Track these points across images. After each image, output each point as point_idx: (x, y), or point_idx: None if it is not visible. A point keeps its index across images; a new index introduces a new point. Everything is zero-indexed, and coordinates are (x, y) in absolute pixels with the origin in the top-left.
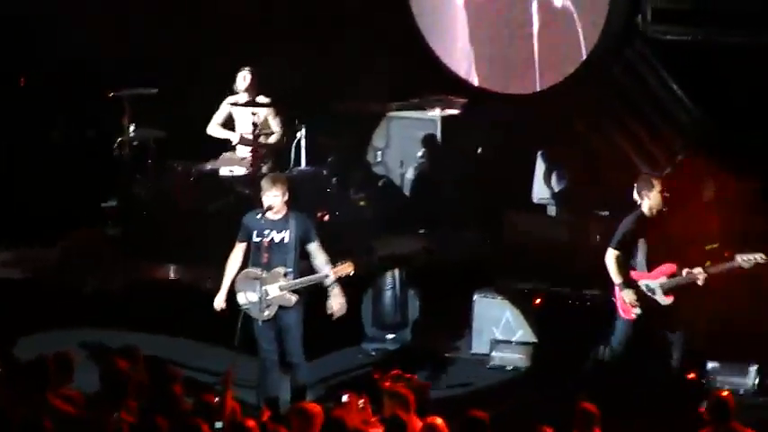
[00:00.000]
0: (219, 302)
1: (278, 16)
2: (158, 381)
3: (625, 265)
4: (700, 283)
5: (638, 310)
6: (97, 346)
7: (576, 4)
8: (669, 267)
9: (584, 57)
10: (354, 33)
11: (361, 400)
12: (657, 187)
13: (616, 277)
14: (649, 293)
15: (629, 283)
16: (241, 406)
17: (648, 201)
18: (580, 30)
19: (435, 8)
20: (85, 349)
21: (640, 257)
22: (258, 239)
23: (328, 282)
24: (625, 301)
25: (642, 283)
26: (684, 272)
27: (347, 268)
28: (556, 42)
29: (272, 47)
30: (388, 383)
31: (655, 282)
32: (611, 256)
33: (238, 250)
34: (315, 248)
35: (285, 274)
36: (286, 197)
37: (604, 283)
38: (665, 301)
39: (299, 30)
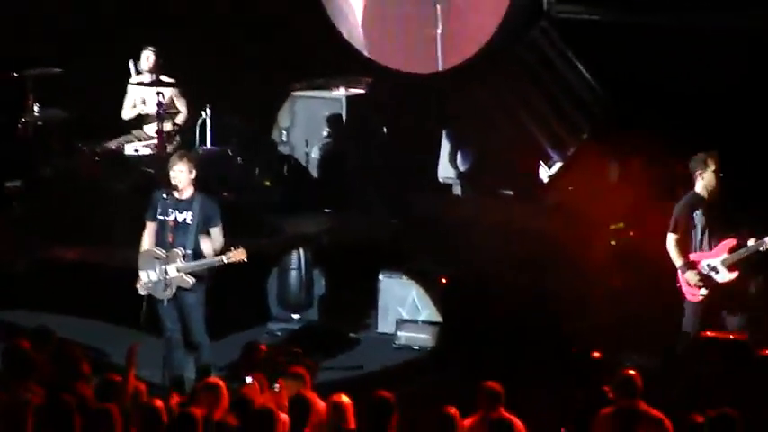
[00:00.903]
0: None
1: None
2: (65, 361)
3: (684, 247)
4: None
5: (704, 291)
6: (1, 328)
7: None
8: (729, 242)
9: (490, 36)
10: (259, 12)
11: (277, 384)
12: (712, 166)
13: (677, 260)
14: (712, 272)
15: (691, 265)
16: (147, 386)
17: (702, 180)
18: (485, 9)
19: None
20: None
21: (699, 237)
22: (163, 218)
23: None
24: (689, 283)
25: (703, 263)
26: (752, 241)
27: (240, 255)
28: (460, 21)
29: (176, 25)
30: (282, 361)
31: (716, 259)
32: (670, 241)
33: (149, 229)
34: (216, 233)
35: (184, 256)
36: (193, 174)
37: (510, 263)
38: (729, 275)
39: (205, 8)
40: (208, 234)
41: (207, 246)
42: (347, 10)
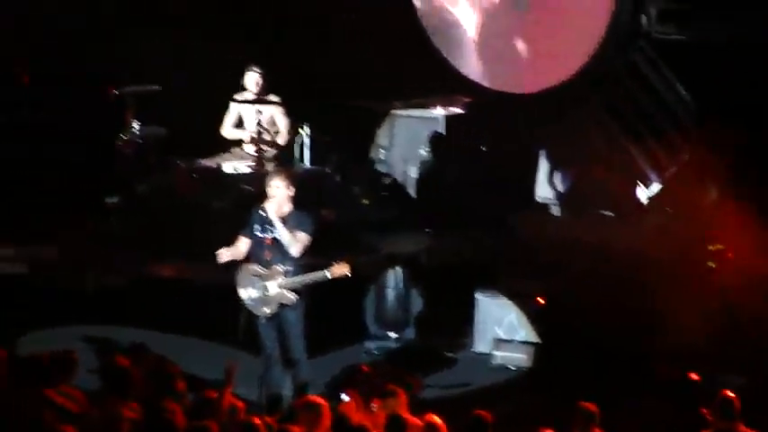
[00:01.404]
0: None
1: (284, 16)
2: (161, 378)
3: None
4: None
5: None
6: (99, 343)
7: (580, 5)
8: None
9: (589, 57)
10: (361, 32)
11: (374, 404)
12: None
13: None
14: None
15: None
16: (245, 403)
17: None
18: (584, 30)
19: (441, 8)
20: (88, 346)
21: None
22: (261, 236)
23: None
24: None
25: None
26: None
27: (344, 268)
28: (560, 42)
29: (277, 46)
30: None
31: None
32: None
33: (242, 243)
34: (301, 236)
35: (285, 273)
36: (291, 191)
37: (609, 283)
38: None
39: (306, 29)
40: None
41: (299, 243)
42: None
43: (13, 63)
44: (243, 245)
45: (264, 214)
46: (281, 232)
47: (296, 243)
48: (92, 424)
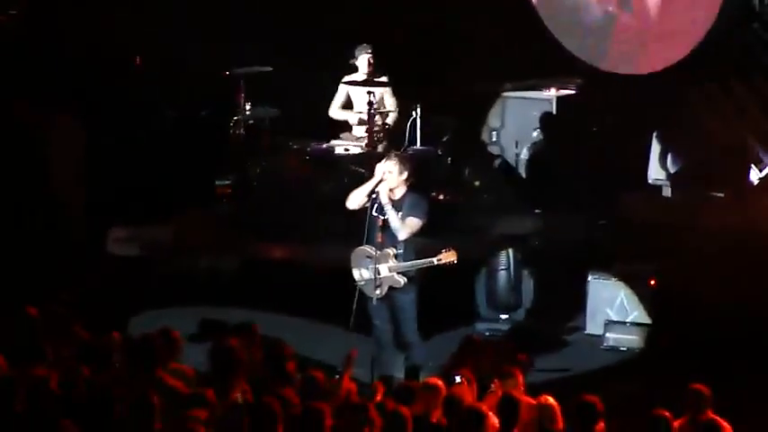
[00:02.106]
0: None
1: None
2: (272, 359)
3: None
4: None
5: None
6: (212, 324)
7: None
8: None
9: (701, 38)
10: (472, 13)
11: (494, 385)
12: None
13: None
14: None
15: None
16: (356, 384)
17: None
18: (696, 11)
19: None
20: (201, 327)
21: None
22: (374, 216)
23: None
24: None
25: None
26: None
27: (451, 256)
28: (671, 23)
29: (388, 26)
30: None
31: None
32: None
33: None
34: (411, 222)
35: (396, 256)
36: (404, 175)
37: (720, 265)
38: None
39: (416, 9)
40: (420, 231)
41: (406, 229)
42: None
43: (126, 48)
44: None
45: (377, 196)
46: (391, 215)
47: (404, 228)
48: (200, 404)
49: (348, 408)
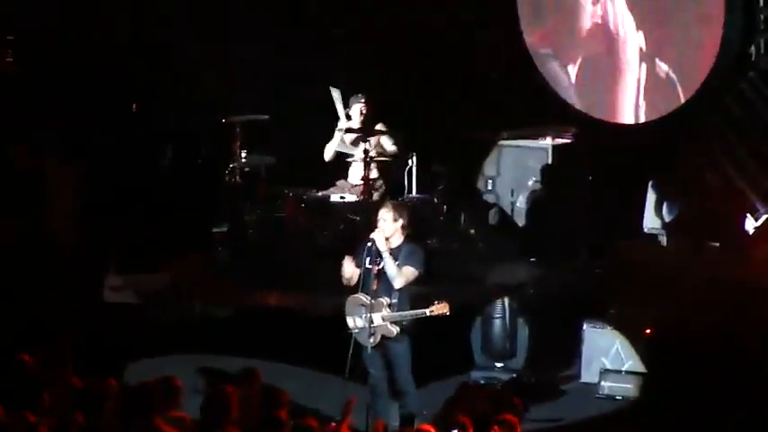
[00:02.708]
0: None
1: (390, 45)
2: (267, 406)
3: None
4: None
5: None
6: (207, 372)
7: (688, 36)
8: None
9: (697, 88)
10: (466, 63)
11: None
12: None
13: None
14: None
15: None
16: None
17: None
18: (693, 60)
19: (546, 40)
20: (196, 375)
21: None
22: (369, 266)
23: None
24: None
25: None
26: None
27: (443, 308)
28: (669, 73)
29: (384, 75)
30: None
31: None
32: None
33: (353, 271)
34: (407, 271)
35: (389, 305)
36: (399, 223)
37: (716, 314)
38: None
39: (412, 58)
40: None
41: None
42: (561, 73)
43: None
44: (354, 273)
45: (372, 245)
46: (388, 263)
47: (401, 276)
48: None
49: None
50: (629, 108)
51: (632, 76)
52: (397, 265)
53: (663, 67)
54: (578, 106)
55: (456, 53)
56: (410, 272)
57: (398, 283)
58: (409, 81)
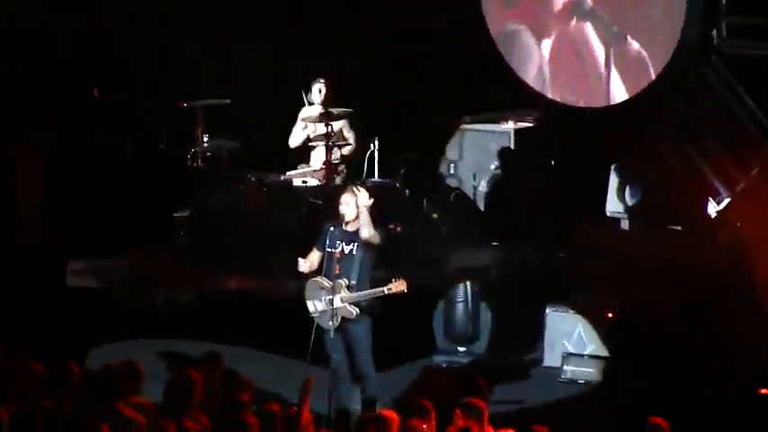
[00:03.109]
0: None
1: (352, 29)
2: (229, 390)
3: None
4: None
5: None
6: (169, 357)
7: (649, 19)
8: None
9: (659, 72)
10: (430, 45)
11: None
12: None
13: None
14: None
15: None
16: (313, 416)
17: None
18: (654, 44)
19: (510, 21)
20: (158, 360)
21: None
22: (330, 250)
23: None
24: None
25: None
26: None
27: (401, 286)
28: (630, 57)
29: (346, 58)
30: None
31: None
32: None
33: (314, 255)
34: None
35: (348, 287)
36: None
37: (678, 298)
38: None
39: (376, 42)
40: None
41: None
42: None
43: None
44: (315, 257)
45: (334, 229)
46: (362, 215)
47: (370, 226)
48: None
49: None
50: (594, 91)
51: (602, 53)
52: (361, 252)
53: (634, 46)
54: (550, 85)
55: (419, 36)
56: (372, 235)
57: (366, 232)
58: (372, 65)
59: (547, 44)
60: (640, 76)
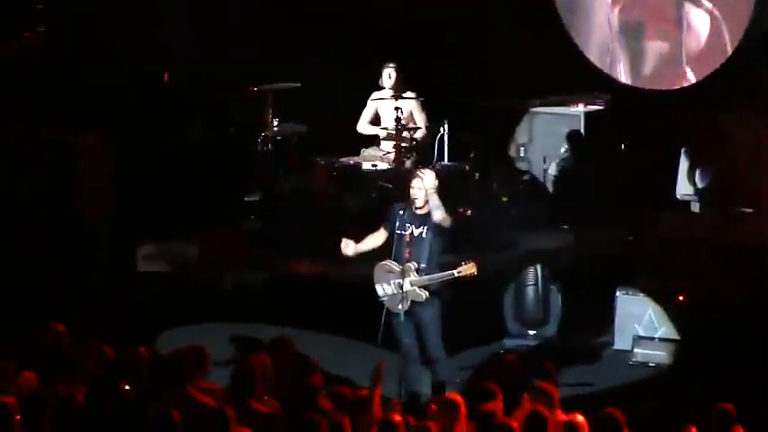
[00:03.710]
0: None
1: (421, 12)
2: (299, 374)
3: None
4: None
5: None
6: (239, 341)
7: (721, 5)
8: None
9: (729, 54)
10: (498, 28)
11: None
12: None
13: None
14: None
15: None
16: (384, 401)
17: None
18: (725, 29)
19: (579, 4)
20: (228, 344)
21: None
22: (399, 233)
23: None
24: None
25: None
26: None
27: (471, 269)
28: (702, 40)
29: (415, 43)
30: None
31: None
32: None
33: (381, 233)
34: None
35: (417, 270)
36: (431, 191)
37: (747, 281)
38: None
39: (444, 26)
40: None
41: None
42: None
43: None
44: (380, 236)
45: (404, 212)
46: (432, 198)
47: (442, 209)
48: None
49: (381, 422)
50: (665, 73)
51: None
52: (431, 235)
53: (698, 36)
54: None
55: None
56: (443, 216)
57: (438, 215)
58: (441, 48)
59: (612, 17)
60: (710, 59)
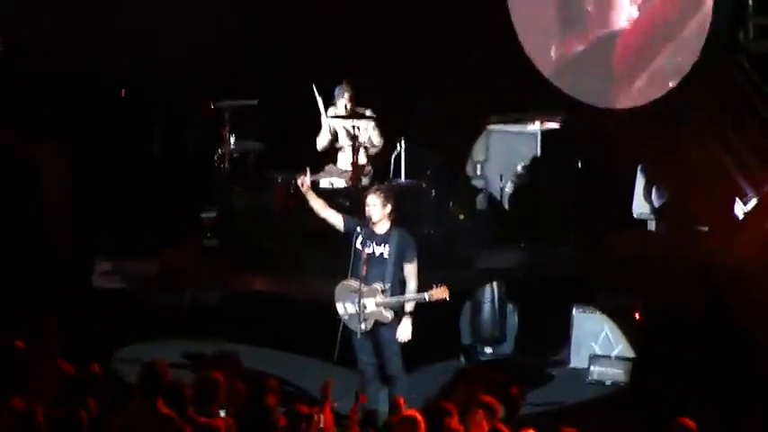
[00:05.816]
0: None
1: (376, 29)
2: (254, 391)
3: None
4: None
5: None
6: (195, 356)
7: (677, 19)
8: None
9: (686, 71)
10: (457, 48)
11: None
12: None
13: None
14: None
15: None
16: (339, 418)
17: None
18: (682, 46)
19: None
20: (185, 361)
21: None
22: (357, 248)
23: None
24: None
25: None
26: None
27: (443, 293)
28: (656, 57)
29: (372, 57)
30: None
31: None
32: None
33: (340, 220)
34: (409, 270)
35: (383, 291)
36: (387, 209)
37: (705, 299)
38: None
39: (400, 43)
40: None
41: (411, 285)
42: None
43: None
44: (338, 221)
45: (362, 230)
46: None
47: (413, 280)
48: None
49: None
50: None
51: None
52: (390, 252)
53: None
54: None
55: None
56: (413, 268)
57: (414, 285)
58: (398, 66)
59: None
60: (663, 80)
